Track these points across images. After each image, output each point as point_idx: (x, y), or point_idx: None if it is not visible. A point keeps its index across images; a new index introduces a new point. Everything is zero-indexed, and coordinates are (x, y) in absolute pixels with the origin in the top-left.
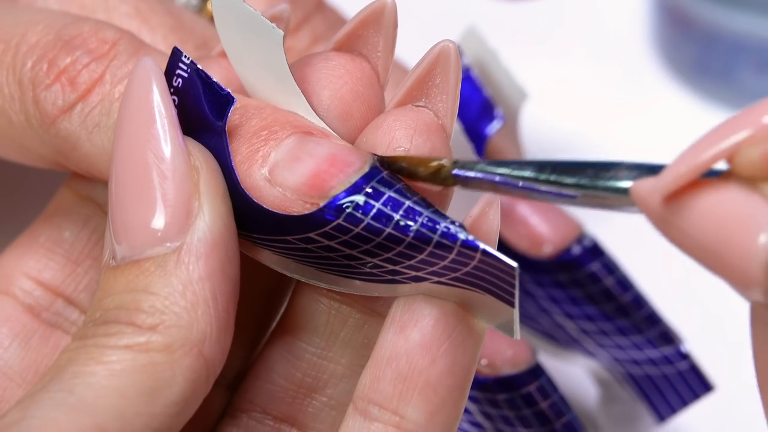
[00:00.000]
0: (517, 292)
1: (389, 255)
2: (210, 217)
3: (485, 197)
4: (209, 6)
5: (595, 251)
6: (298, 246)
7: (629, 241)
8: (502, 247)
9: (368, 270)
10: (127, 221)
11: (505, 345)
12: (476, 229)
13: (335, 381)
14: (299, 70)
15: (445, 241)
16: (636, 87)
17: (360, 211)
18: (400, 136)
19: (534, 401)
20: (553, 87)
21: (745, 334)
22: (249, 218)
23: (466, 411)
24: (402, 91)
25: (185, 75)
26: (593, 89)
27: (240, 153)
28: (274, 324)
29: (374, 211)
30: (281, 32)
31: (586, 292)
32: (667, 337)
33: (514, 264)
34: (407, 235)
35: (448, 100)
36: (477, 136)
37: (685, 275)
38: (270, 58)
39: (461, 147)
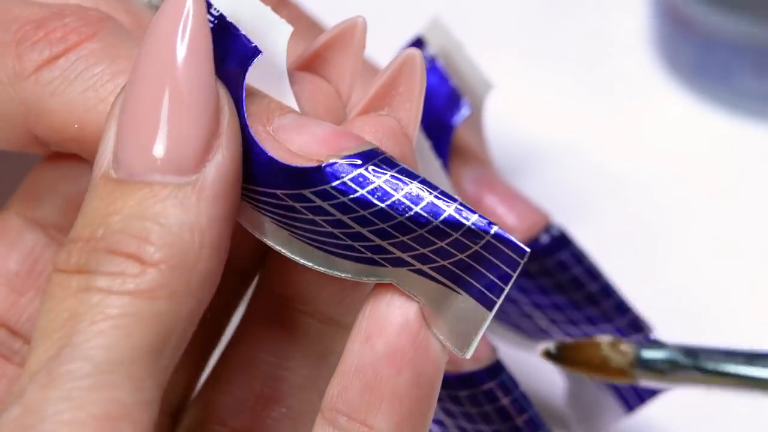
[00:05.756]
0: (507, 289)
1: (384, 226)
2: (229, 158)
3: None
4: None
5: (562, 240)
6: (285, 204)
7: (597, 231)
8: None
9: (348, 242)
10: (139, 140)
11: None
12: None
13: (295, 392)
14: None
15: (458, 218)
16: (635, 88)
17: (373, 174)
18: (369, 139)
19: (495, 398)
20: (552, 87)
21: (713, 322)
22: (246, 166)
23: None
24: (365, 100)
25: (211, 26)
26: (592, 90)
27: (250, 107)
28: (216, 350)
29: (387, 176)
30: (290, 27)
31: (554, 280)
32: (636, 325)
33: (527, 248)
34: (416, 205)
35: (411, 108)
36: (443, 127)
37: (652, 264)
38: (269, 55)
39: (419, 143)
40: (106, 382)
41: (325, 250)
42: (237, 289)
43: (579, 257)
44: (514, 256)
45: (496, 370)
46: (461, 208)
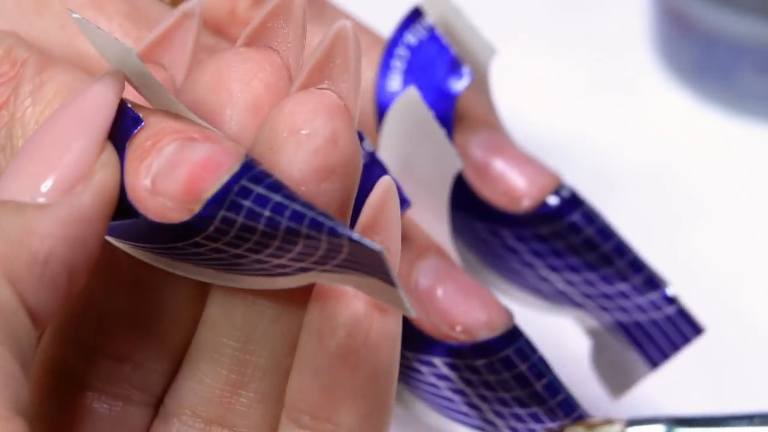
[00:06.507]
0: (393, 273)
1: (271, 250)
2: (87, 202)
3: (382, 182)
4: None
5: (573, 201)
6: (190, 251)
7: (607, 190)
8: (482, 205)
9: (258, 267)
10: (15, 177)
11: (481, 310)
12: (374, 219)
13: (260, 375)
14: (209, 65)
15: (312, 232)
16: (635, 87)
17: (232, 212)
18: (301, 119)
19: (513, 364)
20: (551, 86)
21: (711, 321)
22: (143, 231)
23: (446, 379)
24: (303, 74)
25: None
26: (592, 89)
27: (125, 167)
28: None
29: (245, 210)
30: (132, 48)
31: (567, 243)
32: (652, 282)
33: (378, 247)
34: (278, 230)
35: (349, 79)
36: (445, 96)
37: (666, 222)
38: (138, 70)
39: (421, 114)
40: None
41: (246, 273)
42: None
43: (590, 217)
44: (372, 254)
45: (513, 336)
46: (313, 222)
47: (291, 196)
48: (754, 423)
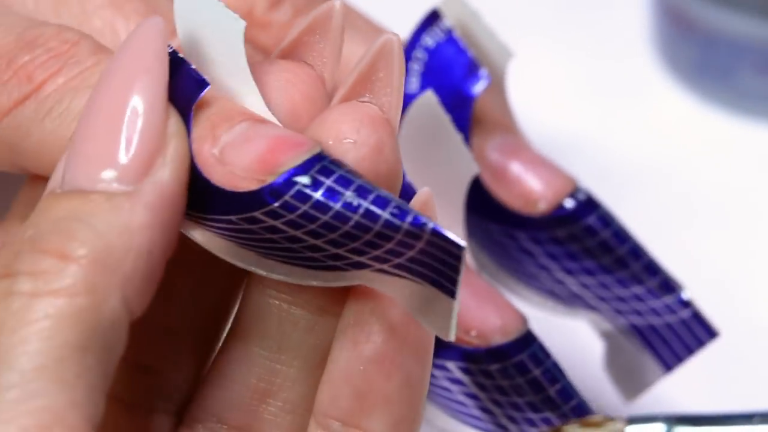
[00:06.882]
0: (459, 279)
1: (334, 236)
2: (170, 179)
3: (421, 193)
4: None
5: (589, 204)
6: (241, 227)
7: (623, 193)
8: (497, 207)
9: (309, 254)
10: (87, 153)
11: (495, 314)
12: None
13: (290, 384)
14: None
15: (393, 219)
16: (635, 87)
17: (309, 189)
18: (347, 128)
19: (527, 369)
20: (551, 86)
21: (729, 276)
22: (197, 195)
23: (460, 383)
24: (346, 87)
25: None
26: (592, 89)
27: (193, 132)
28: (220, 343)
29: (324, 188)
30: (243, 23)
31: (583, 246)
32: (667, 286)
33: (463, 243)
34: (356, 213)
35: (392, 93)
36: (463, 99)
37: (664, 220)
38: (230, 51)
39: (438, 117)
40: (34, 390)
41: (291, 264)
42: (233, 286)
43: (606, 220)
44: (453, 249)
45: (527, 341)
46: (397, 210)
47: (373, 184)
48: (754, 422)
